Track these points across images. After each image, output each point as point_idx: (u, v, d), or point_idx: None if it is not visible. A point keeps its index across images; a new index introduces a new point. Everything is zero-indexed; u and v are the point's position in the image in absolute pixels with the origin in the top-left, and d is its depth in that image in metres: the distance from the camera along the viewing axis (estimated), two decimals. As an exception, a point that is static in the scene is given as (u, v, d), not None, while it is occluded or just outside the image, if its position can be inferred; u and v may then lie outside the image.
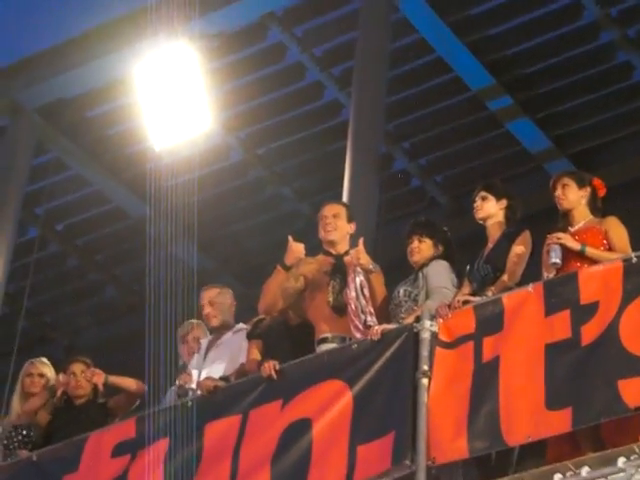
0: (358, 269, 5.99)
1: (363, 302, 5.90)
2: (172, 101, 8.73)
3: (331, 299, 6.11)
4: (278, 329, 6.30)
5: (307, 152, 11.06)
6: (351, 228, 6.35)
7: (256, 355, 6.27)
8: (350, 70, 9.89)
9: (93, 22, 10.29)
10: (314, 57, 10.43)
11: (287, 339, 6.27)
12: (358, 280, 5.96)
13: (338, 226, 6.29)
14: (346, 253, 6.22)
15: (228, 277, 11.44)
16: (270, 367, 5.91)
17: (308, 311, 6.24)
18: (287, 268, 6.25)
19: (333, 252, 6.28)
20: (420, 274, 6.05)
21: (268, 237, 11.56)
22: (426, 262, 6.09)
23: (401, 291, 6.07)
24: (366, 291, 5.95)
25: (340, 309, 6.07)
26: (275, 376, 5.88)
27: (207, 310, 6.74)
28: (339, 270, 6.17)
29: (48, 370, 7.34)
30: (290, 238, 6.31)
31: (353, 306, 5.94)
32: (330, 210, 6.35)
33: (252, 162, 11.27)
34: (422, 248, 6.13)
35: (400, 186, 11.23)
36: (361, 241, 6.08)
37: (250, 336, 6.40)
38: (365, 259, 6.01)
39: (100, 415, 6.99)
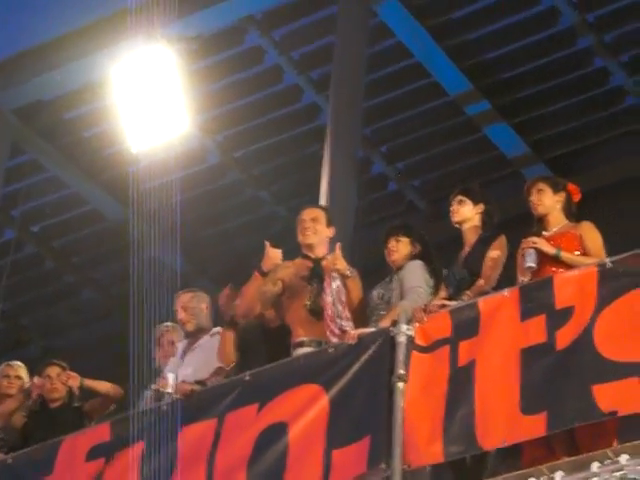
0: (334, 274, 5.99)
1: (339, 307, 5.91)
2: (150, 103, 8.72)
3: (308, 303, 6.11)
4: (254, 332, 6.29)
5: (285, 155, 11.06)
6: (330, 232, 6.34)
7: (230, 348, 6.26)
8: (328, 74, 9.90)
9: (71, 24, 10.25)
10: (292, 60, 10.43)
11: (263, 342, 6.26)
12: (335, 285, 5.97)
13: (317, 230, 6.28)
14: (324, 257, 6.22)
15: (205, 280, 11.42)
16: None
17: (285, 315, 6.24)
18: (264, 274, 6.24)
19: (311, 256, 6.29)
20: (395, 276, 6.07)
21: (245, 240, 11.56)
22: (403, 263, 6.10)
23: (375, 294, 6.09)
24: (343, 296, 5.96)
25: (317, 313, 6.07)
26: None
27: (181, 315, 6.72)
28: (317, 274, 6.17)
29: (24, 373, 7.32)
30: (267, 244, 6.30)
31: (329, 311, 5.95)
32: (309, 214, 6.34)
33: (229, 165, 11.26)
34: (399, 247, 6.14)
35: (378, 190, 11.25)
36: (338, 246, 6.08)
37: (226, 325, 6.37)
38: (342, 264, 6.02)
39: (75, 419, 6.97)
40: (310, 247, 6.29)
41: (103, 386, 7.09)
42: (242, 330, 6.36)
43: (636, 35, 9.99)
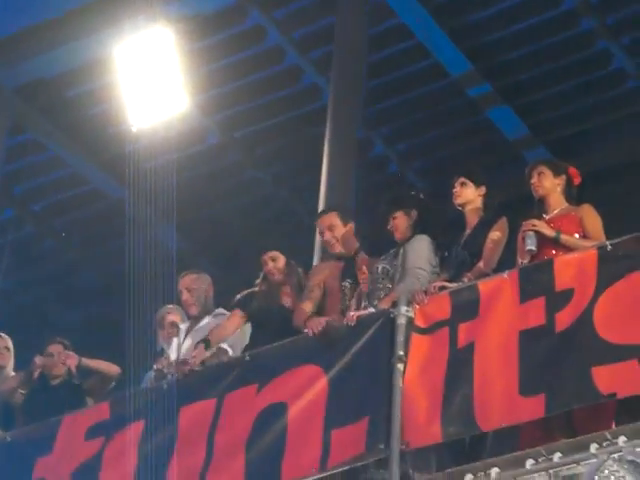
0: (364, 295, 6.02)
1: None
2: (150, 83, 8.70)
3: (343, 306, 6.15)
4: (270, 311, 6.30)
5: (285, 136, 11.04)
6: (349, 228, 6.40)
7: (235, 322, 6.29)
8: (329, 54, 9.86)
9: (73, 3, 10.20)
10: (293, 40, 10.39)
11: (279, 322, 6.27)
12: (364, 304, 6.00)
13: (338, 237, 6.34)
14: (357, 251, 6.27)
15: (205, 260, 11.43)
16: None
17: (324, 312, 6.24)
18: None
19: (342, 256, 6.35)
20: (401, 250, 6.04)
21: (245, 221, 11.56)
22: (408, 237, 6.07)
23: (379, 268, 6.06)
24: None
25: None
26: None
27: (185, 297, 6.75)
28: (348, 273, 6.23)
29: (12, 344, 7.31)
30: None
31: None
32: (324, 223, 6.41)
33: (230, 145, 11.24)
34: (397, 223, 6.14)
35: (378, 171, 11.23)
36: (364, 269, 6.06)
37: (237, 305, 6.40)
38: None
39: (75, 396, 7.00)
40: (341, 254, 6.34)
41: (101, 365, 7.11)
42: (257, 309, 6.37)
43: (639, 17, 9.96)
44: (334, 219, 6.39)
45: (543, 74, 10.44)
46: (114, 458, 6.07)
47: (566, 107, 10.64)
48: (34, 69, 10.54)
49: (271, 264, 6.44)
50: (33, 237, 12.12)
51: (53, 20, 10.33)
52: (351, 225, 6.42)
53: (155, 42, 8.69)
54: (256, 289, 6.50)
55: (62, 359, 7.07)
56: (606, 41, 10.18)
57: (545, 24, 10.17)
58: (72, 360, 7.06)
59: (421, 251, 5.99)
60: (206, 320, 6.71)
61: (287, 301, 6.37)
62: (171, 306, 6.98)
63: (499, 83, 10.50)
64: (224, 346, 6.49)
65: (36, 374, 7.22)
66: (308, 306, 6.18)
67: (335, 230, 6.35)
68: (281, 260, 6.46)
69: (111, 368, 7.07)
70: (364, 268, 6.14)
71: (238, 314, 6.38)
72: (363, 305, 6.01)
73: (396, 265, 6.02)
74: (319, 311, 6.26)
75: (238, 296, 6.54)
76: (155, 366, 6.44)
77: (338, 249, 6.35)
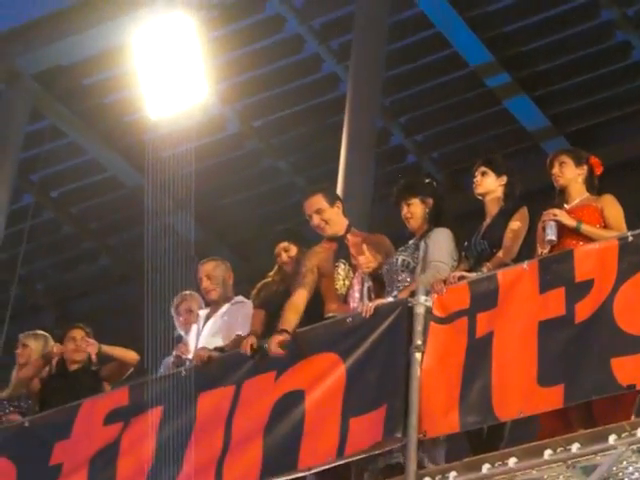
0: (366, 275, 5.99)
1: (366, 302, 5.92)
2: (169, 71, 8.71)
3: (338, 286, 6.10)
4: (281, 300, 6.29)
5: (304, 125, 11.05)
6: (338, 208, 6.28)
7: (256, 326, 6.27)
8: (348, 43, 9.87)
9: (92, -11, 10.23)
10: (312, 29, 10.40)
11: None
12: (366, 285, 5.96)
13: (326, 219, 6.22)
14: (348, 230, 6.22)
15: (223, 249, 11.46)
16: (247, 344, 5.92)
17: (320, 291, 6.20)
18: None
19: (333, 237, 6.26)
20: (422, 243, 5.98)
21: (263, 210, 11.59)
22: (424, 227, 6.02)
23: (399, 259, 5.99)
24: (372, 295, 5.97)
25: (346, 298, 6.10)
26: (249, 352, 5.90)
27: (205, 284, 6.73)
28: (341, 254, 6.17)
29: (32, 341, 7.30)
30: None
31: (355, 304, 5.96)
32: (311, 207, 6.22)
33: (248, 134, 11.26)
34: (413, 211, 6.04)
35: (396, 162, 11.23)
36: (365, 248, 6.02)
37: (255, 304, 6.40)
38: (374, 264, 5.97)
39: (93, 382, 7.02)
40: (332, 236, 6.26)
41: (120, 352, 7.13)
42: (267, 298, 6.35)
43: (659, 9, 9.93)
44: (321, 202, 6.22)
45: (563, 65, 10.42)
46: (132, 443, 6.08)
47: (585, 98, 10.61)
48: (53, 56, 10.58)
49: (284, 255, 6.39)
50: (51, 224, 12.17)
51: (72, 7, 10.37)
52: (339, 204, 6.27)
53: (174, 29, 8.69)
54: (269, 280, 6.47)
55: (82, 346, 7.09)
56: (626, 32, 10.15)
57: (565, 15, 10.15)
58: (92, 347, 7.07)
59: (443, 244, 5.93)
60: (225, 307, 6.71)
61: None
62: (188, 292, 6.98)
63: (518, 73, 10.48)
64: (242, 334, 6.49)
65: (55, 362, 7.24)
66: (302, 293, 6.11)
67: (323, 213, 6.20)
68: (293, 250, 6.40)
69: (129, 355, 7.09)
70: (358, 240, 6.01)
71: (258, 313, 6.35)
72: (366, 286, 5.96)
73: (417, 259, 5.96)
74: (315, 295, 6.19)
75: (253, 292, 6.50)
76: (174, 353, 6.45)
77: (329, 232, 6.21)
